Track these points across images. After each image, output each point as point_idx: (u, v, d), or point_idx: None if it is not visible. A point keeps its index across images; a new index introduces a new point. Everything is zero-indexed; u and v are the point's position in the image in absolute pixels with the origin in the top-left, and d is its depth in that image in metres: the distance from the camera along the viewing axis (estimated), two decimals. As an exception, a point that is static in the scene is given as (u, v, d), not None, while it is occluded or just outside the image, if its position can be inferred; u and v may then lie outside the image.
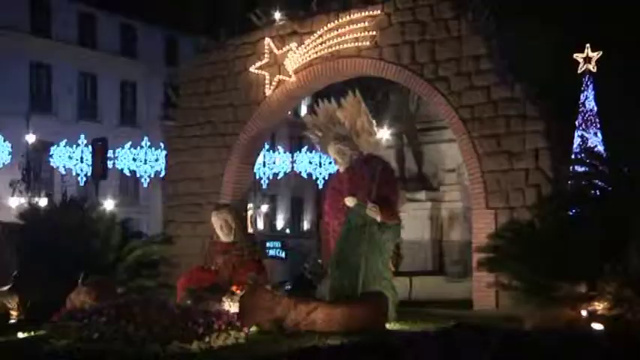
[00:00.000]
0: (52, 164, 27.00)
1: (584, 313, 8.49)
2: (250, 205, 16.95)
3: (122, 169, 26.70)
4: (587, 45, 12.98)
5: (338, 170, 10.93)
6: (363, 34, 13.32)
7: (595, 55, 12.89)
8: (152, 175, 26.41)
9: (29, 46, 33.35)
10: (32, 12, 34.06)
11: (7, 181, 29.33)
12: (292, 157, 28.24)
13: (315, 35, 13.77)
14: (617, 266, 8.36)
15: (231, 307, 9.64)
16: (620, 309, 8.32)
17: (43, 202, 20.81)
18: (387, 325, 9.40)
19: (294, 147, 34.42)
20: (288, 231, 44.38)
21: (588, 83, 13.06)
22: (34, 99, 33.94)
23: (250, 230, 14.85)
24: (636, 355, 5.58)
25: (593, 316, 8.41)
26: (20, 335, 9.50)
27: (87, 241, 11.33)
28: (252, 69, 14.45)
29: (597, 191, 9.96)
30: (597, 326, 8.19)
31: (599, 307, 8.48)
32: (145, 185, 28.06)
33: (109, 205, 23.75)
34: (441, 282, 14.65)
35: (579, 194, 10.07)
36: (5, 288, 10.58)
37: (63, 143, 26.02)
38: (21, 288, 10.37)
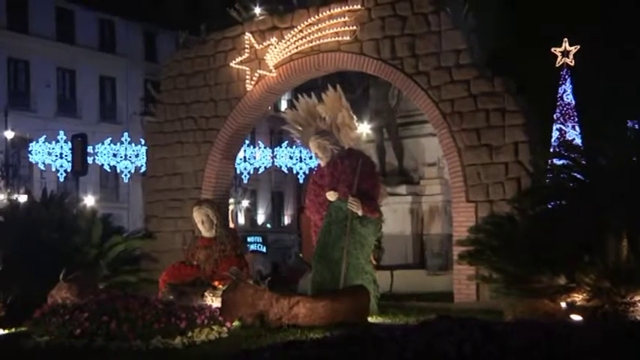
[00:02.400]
0: (31, 160, 26.82)
1: (563, 304, 8.58)
2: (231, 200, 16.92)
3: (102, 165, 26.57)
4: (565, 39, 13.04)
5: (319, 165, 10.95)
6: (343, 28, 13.32)
7: (573, 49, 12.95)
8: (133, 171, 26.33)
9: (6, 41, 33.05)
10: (8, 7, 33.73)
11: (-14, 177, 29.20)
12: (273, 152, 28.22)
13: (296, 30, 13.76)
14: (596, 258, 8.45)
15: (214, 301, 9.65)
16: (599, 300, 8.42)
17: (22, 198, 20.66)
18: (369, 319, 9.45)
19: (274, 142, 34.44)
20: (268, 226, 44.39)
21: (566, 77, 13.10)
22: (11, 95, 33.69)
23: (231, 225, 14.81)
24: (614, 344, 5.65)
25: (572, 308, 8.49)
26: (1, 332, 9.48)
27: (68, 236, 11.30)
28: (232, 64, 14.41)
29: (575, 184, 10.03)
30: (576, 317, 8.28)
31: (578, 298, 8.57)
32: (126, 181, 27.97)
33: (89, 200, 23.67)
34: (421, 275, 14.68)
35: (558, 187, 10.14)
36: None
37: (42, 139, 25.85)
38: (2, 284, 10.29)
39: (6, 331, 9.45)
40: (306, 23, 13.64)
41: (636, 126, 9.73)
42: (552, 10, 22.92)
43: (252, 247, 35.95)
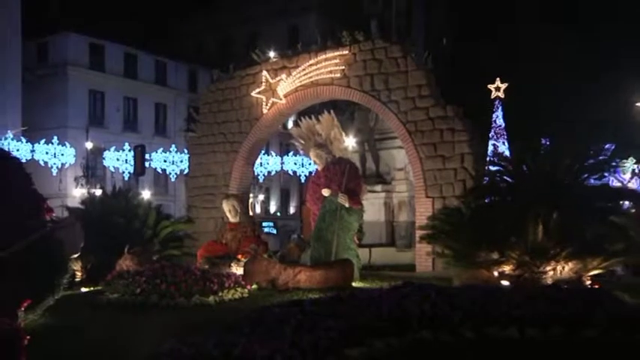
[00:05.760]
0: (104, 164, 26.79)
1: (496, 273, 8.55)
2: (251, 195, 16.89)
3: (156, 168, 26.50)
4: (497, 78, 13.05)
5: (317, 169, 10.93)
6: (335, 68, 13.33)
7: (503, 86, 12.93)
8: (178, 173, 26.25)
9: (88, 78, 33.18)
10: (91, 52, 33.89)
11: (73, 177, 29.43)
12: (282, 159, 28.12)
13: (300, 69, 13.75)
14: (519, 239, 8.41)
15: (238, 270, 9.62)
16: (522, 270, 8.38)
17: (98, 192, 20.58)
18: (354, 284, 9.42)
19: (283, 151, 34.32)
20: (278, 214, 44.29)
21: (498, 106, 13.08)
22: (91, 117, 33.72)
23: (251, 213, 14.77)
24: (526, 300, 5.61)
25: (502, 276, 8.47)
26: (83, 290, 9.47)
27: (130, 221, 11.22)
28: (252, 94, 14.40)
29: (505, 185, 9.99)
30: (505, 282, 8.26)
31: (507, 268, 8.52)
32: (173, 180, 27.89)
33: (146, 194, 23.49)
34: (392, 251, 14.64)
35: (493, 187, 10.09)
36: (75, 255, 10.46)
37: (112, 149, 25.77)
38: (83, 255, 10.25)
39: (86, 289, 9.45)
40: (307, 64, 13.64)
41: (548, 142, 9.70)
42: (488, 56, 23.08)
43: (266, 230, 35.85)
